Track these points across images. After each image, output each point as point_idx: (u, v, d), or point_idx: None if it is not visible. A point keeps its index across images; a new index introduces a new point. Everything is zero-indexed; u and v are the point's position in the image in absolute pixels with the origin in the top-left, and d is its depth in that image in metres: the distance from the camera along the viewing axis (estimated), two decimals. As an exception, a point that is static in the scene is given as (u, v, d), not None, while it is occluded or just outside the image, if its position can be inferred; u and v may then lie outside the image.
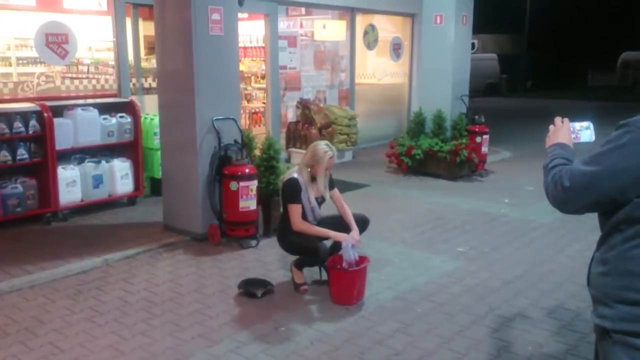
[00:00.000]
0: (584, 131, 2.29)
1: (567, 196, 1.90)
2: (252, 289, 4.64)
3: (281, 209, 4.97)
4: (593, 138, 2.29)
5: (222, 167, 5.80)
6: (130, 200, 7.18)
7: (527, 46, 31.29)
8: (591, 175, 1.83)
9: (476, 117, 9.55)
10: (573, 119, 2.31)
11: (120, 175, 6.94)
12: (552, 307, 4.48)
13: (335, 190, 4.91)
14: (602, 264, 1.91)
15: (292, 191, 4.66)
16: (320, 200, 4.82)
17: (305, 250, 4.68)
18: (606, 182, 1.80)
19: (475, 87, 24.18)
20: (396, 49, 12.34)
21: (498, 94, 26.62)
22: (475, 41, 27.23)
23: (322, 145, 4.75)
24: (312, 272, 4.96)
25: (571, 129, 2.26)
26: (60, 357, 3.73)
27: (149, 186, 7.52)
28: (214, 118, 5.83)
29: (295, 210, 4.65)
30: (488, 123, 9.55)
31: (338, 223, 4.78)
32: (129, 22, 8.07)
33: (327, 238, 4.71)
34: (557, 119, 2.28)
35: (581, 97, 24.89)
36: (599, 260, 1.93)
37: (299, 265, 4.81)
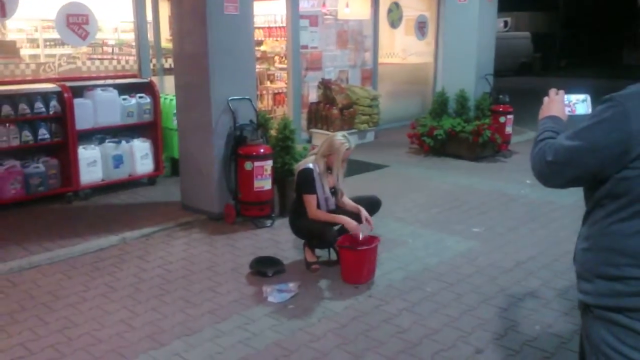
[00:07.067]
0: (580, 104, 2.22)
1: (551, 170, 1.87)
2: (263, 269, 4.69)
3: (294, 195, 5.00)
4: (589, 111, 2.20)
5: (238, 147, 5.83)
6: (150, 180, 7.29)
7: (561, 24, 30.47)
8: (573, 150, 1.79)
9: (500, 96, 9.38)
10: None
11: (140, 156, 7.04)
12: (564, 287, 4.42)
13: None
14: (585, 239, 1.89)
15: (307, 182, 4.72)
16: (334, 191, 4.84)
17: (314, 234, 4.73)
18: (588, 158, 1.76)
19: (508, 66, 23.66)
20: (421, 27, 12.15)
21: (531, 73, 26.01)
22: (509, 19, 26.59)
23: (339, 136, 4.77)
24: (324, 252, 4.98)
25: (567, 101, 2.20)
26: (73, 330, 3.84)
27: (169, 166, 7.60)
28: (230, 98, 5.85)
29: (310, 200, 4.71)
30: (517, 103, 9.36)
31: (351, 213, 4.78)
32: (149, 2, 8.10)
33: (340, 224, 4.73)
34: (552, 91, 2.22)
35: (617, 75, 24.17)
36: (582, 237, 1.91)
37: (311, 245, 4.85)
